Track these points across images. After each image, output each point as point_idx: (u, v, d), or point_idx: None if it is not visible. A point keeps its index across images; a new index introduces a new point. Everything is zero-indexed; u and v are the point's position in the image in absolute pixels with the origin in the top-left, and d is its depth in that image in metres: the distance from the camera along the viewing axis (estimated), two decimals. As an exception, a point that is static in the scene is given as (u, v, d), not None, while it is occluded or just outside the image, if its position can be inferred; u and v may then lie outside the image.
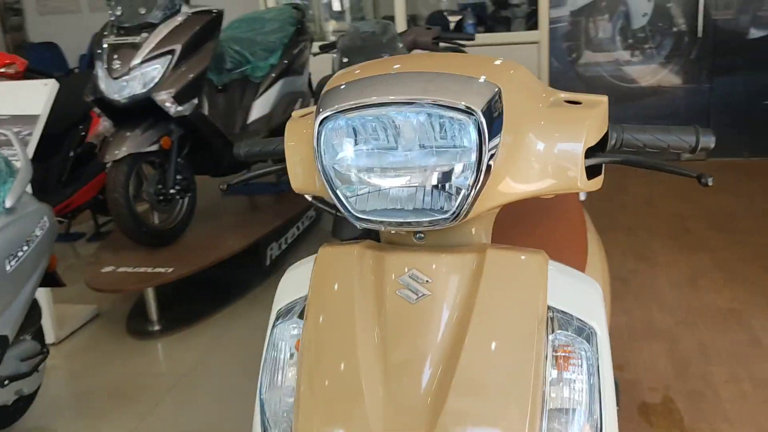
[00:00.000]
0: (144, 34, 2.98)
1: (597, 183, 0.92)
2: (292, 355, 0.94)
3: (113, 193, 2.93)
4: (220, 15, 3.31)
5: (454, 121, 0.83)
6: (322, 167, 0.89)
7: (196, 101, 3.12)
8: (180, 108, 3.03)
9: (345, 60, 2.86)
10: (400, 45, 2.90)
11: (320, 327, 0.91)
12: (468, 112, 0.82)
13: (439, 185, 0.85)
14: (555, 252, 1.29)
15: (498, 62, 0.91)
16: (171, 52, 3.01)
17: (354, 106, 0.86)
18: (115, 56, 2.96)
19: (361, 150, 0.88)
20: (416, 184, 0.85)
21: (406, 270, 0.90)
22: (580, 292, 0.91)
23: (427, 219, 0.86)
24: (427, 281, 0.88)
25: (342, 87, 0.90)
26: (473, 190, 0.84)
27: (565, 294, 0.89)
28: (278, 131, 3.82)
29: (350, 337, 0.88)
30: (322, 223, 4.26)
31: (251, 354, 2.76)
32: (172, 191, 3.14)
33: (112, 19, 3.06)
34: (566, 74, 5.21)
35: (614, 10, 4.99)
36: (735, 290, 3.05)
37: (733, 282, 3.12)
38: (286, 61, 3.78)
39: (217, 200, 3.94)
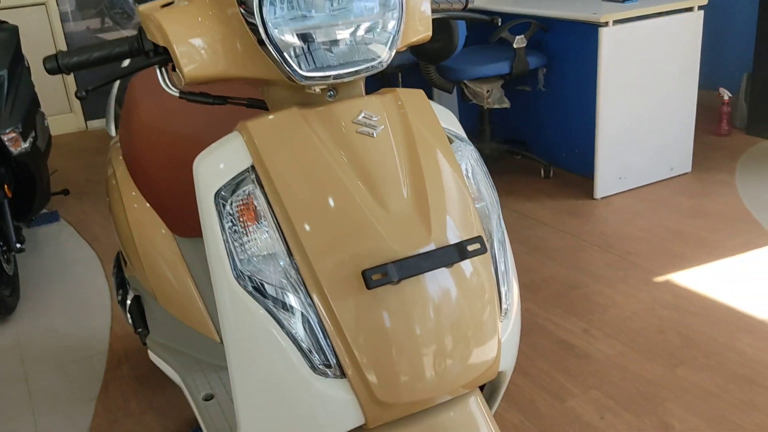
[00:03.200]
0: None
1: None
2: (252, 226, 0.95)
3: None
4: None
5: None
6: (268, 39, 0.92)
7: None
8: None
9: None
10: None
11: (293, 182, 0.95)
12: None
13: (374, 36, 0.98)
14: None
15: None
16: None
17: None
18: None
19: (286, 16, 0.94)
20: (359, 36, 0.97)
21: (358, 113, 1.01)
22: (444, 113, 1.15)
23: (366, 65, 0.99)
24: (375, 119, 1.01)
25: None
26: (397, 38, 1.00)
27: (441, 115, 1.13)
28: None
29: (335, 179, 0.95)
30: None
31: None
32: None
33: None
34: (81, 37, 5.01)
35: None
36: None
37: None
38: None
39: None
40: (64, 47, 4.95)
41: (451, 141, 1.11)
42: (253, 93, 1.08)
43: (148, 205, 1.66)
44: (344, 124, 1.00)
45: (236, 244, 0.96)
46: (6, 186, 2.55)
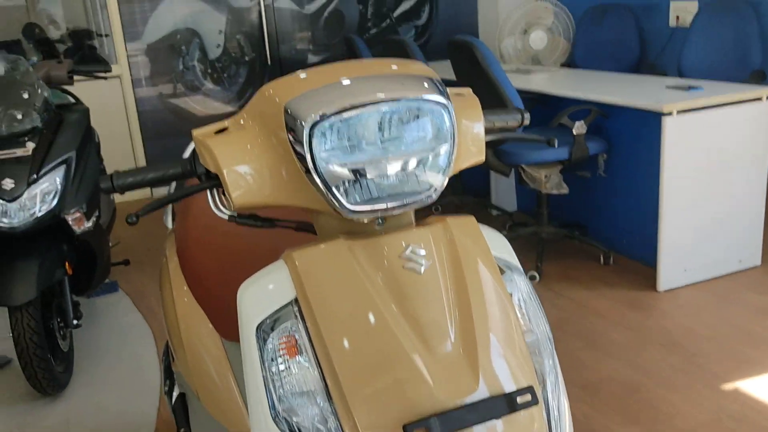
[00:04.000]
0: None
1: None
2: (286, 364, 0.93)
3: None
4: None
5: (430, 112, 0.96)
6: (315, 171, 0.92)
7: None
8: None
9: (-26, 101, 2.46)
10: (38, 80, 2.62)
11: (336, 319, 0.93)
12: (443, 104, 0.96)
13: (425, 167, 0.97)
14: None
15: (409, 61, 1.06)
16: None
17: (352, 105, 0.91)
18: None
19: (335, 149, 0.93)
20: (410, 169, 0.96)
21: (404, 246, 0.98)
22: (496, 240, 1.12)
23: (415, 199, 0.97)
24: (423, 253, 0.99)
25: (317, 92, 0.93)
26: (449, 168, 0.99)
27: (492, 243, 1.09)
28: None
29: (380, 318, 0.93)
30: None
31: None
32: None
33: None
34: (153, 105, 5.23)
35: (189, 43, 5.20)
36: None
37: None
38: None
39: None
40: (135, 115, 5.16)
41: (502, 271, 1.07)
42: (303, 215, 1.07)
43: (196, 303, 1.66)
44: (391, 260, 0.97)
45: (275, 379, 0.94)
46: (67, 263, 2.61)
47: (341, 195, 0.94)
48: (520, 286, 1.08)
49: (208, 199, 1.09)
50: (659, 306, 3.01)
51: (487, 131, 1.23)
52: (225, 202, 1.09)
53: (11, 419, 2.50)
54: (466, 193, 4.23)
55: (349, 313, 0.93)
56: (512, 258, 1.12)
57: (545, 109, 3.72)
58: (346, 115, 0.92)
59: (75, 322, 2.71)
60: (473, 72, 3.27)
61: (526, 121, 1.29)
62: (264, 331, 0.95)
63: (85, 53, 5.32)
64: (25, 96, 2.53)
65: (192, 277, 1.68)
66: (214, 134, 1.03)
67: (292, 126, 0.93)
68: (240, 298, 0.99)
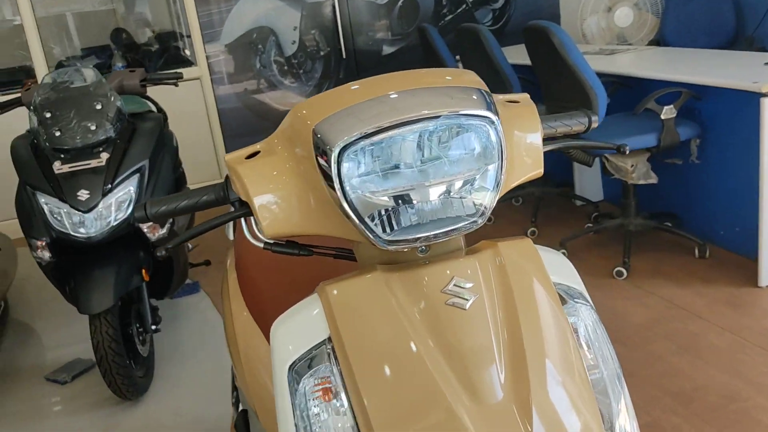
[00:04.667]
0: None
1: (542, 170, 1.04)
2: (325, 406, 0.86)
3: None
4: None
5: (472, 128, 0.86)
6: (345, 200, 0.84)
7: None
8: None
9: (48, 115, 2.53)
10: (110, 91, 2.66)
11: (371, 363, 0.85)
12: (487, 117, 0.86)
13: (471, 188, 0.87)
14: None
15: (459, 71, 0.96)
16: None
17: (386, 126, 0.82)
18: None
19: (369, 173, 0.85)
20: (455, 192, 0.86)
21: (448, 279, 0.89)
22: (557, 262, 1.01)
23: (456, 225, 0.87)
24: (468, 286, 0.89)
25: (345, 113, 0.85)
26: (498, 188, 0.88)
27: (553, 268, 0.98)
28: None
29: (418, 361, 0.84)
30: (12, 313, 3.65)
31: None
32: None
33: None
34: (233, 104, 5.30)
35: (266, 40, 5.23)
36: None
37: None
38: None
39: None
40: (215, 115, 5.24)
41: (564, 300, 0.96)
42: (344, 242, 1.00)
43: (254, 321, 1.62)
44: (432, 294, 0.88)
45: (306, 427, 0.87)
46: (144, 270, 2.65)
47: (376, 225, 0.86)
48: (585, 316, 0.96)
49: (243, 229, 1.03)
50: (761, 304, 2.77)
51: (549, 138, 1.12)
52: (260, 230, 1.03)
53: (97, 422, 2.57)
54: (547, 184, 4.05)
55: (385, 354, 0.85)
56: (576, 284, 1.00)
57: (631, 93, 3.49)
58: (377, 137, 0.83)
59: (154, 327, 2.76)
60: (550, 58, 3.09)
61: (595, 124, 1.16)
62: (297, 372, 0.89)
63: (170, 55, 5.45)
64: (98, 107, 2.57)
65: (249, 293, 1.64)
66: (245, 159, 0.96)
67: (322, 150, 0.85)
68: (273, 335, 0.93)
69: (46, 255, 2.54)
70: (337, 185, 0.84)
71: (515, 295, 0.90)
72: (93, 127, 2.52)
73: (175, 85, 3.05)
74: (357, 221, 0.85)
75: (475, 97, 0.87)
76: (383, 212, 0.86)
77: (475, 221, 0.89)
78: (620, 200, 3.40)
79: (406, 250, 0.91)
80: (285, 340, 0.91)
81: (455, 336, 0.86)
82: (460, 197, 0.88)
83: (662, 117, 2.97)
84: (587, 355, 0.94)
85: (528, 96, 1.06)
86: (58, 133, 2.50)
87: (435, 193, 0.86)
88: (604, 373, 0.93)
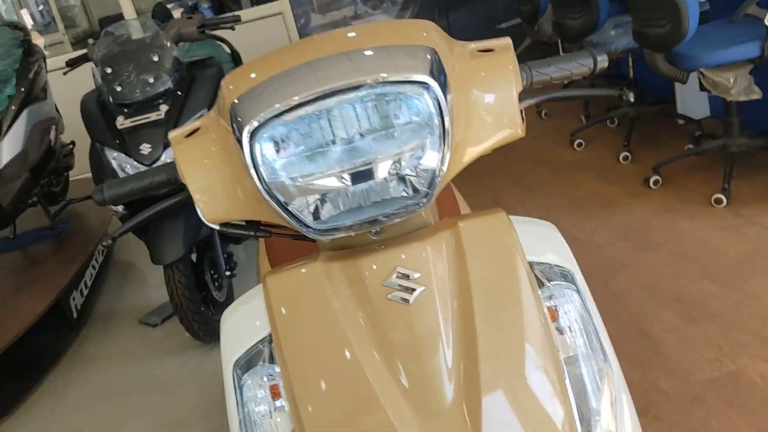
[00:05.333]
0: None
1: (524, 128, 0.90)
2: (272, 405, 0.81)
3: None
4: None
5: (404, 96, 0.74)
6: (264, 187, 0.75)
7: None
8: None
9: (108, 70, 2.55)
10: (167, 41, 2.65)
11: (305, 360, 0.78)
12: (420, 83, 0.73)
13: (405, 169, 0.76)
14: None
15: (409, 24, 0.83)
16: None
17: (298, 102, 0.72)
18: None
19: (293, 155, 0.75)
20: (384, 175, 0.76)
21: (390, 271, 0.80)
22: (546, 238, 0.88)
23: (397, 208, 0.77)
24: (415, 276, 0.80)
25: (264, 86, 0.75)
26: (445, 163, 0.76)
27: (533, 244, 0.86)
28: (39, 167, 3.35)
29: (352, 363, 0.77)
30: (116, 255, 3.87)
31: (94, 420, 2.44)
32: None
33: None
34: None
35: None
36: (536, 199, 3.31)
37: (531, 192, 3.39)
38: (24, 89, 3.30)
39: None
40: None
41: (542, 283, 0.83)
42: None
43: None
44: (373, 288, 0.79)
45: (250, 425, 0.81)
46: None
47: (306, 213, 0.77)
48: (572, 299, 0.84)
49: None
50: None
51: (541, 85, 0.96)
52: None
53: (186, 362, 2.69)
54: (643, 102, 3.71)
55: (321, 358, 0.78)
56: (565, 261, 0.87)
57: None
58: (292, 115, 0.73)
59: (228, 273, 2.82)
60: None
61: (603, 65, 0.99)
62: (240, 368, 0.83)
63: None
64: (155, 59, 2.57)
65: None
66: (185, 137, 0.89)
67: (238, 130, 0.76)
68: (222, 326, 0.87)
69: (120, 208, 2.62)
70: (251, 170, 0.75)
71: (472, 282, 0.79)
72: (151, 80, 2.53)
73: (232, 29, 3.00)
74: (279, 209, 0.76)
75: (413, 58, 0.74)
76: (312, 199, 0.76)
77: (418, 203, 0.78)
78: (721, 117, 3.06)
79: (353, 233, 0.82)
80: (231, 334, 0.86)
81: (397, 335, 0.77)
82: (404, 175, 0.76)
83: (766, 23, 2.59)
84: (568, 345, 0.82)
85: (508, 42, 0.91)
86: (119, 88, 2.53)
87: (369, 173, 0.75)
88: (583, 368, 0.81)
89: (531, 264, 0.84)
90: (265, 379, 0.81)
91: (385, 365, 0.77)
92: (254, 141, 0.74)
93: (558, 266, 0.86)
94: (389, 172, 0.75)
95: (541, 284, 0.83)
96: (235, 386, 0.83)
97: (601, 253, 2.71)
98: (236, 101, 0.76)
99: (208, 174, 0.84)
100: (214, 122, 0.87)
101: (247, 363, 0.83)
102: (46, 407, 2.60)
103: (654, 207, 2.99)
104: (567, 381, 0.78)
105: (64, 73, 3.02)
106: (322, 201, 0.76)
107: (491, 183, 3.62)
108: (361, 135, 0.75)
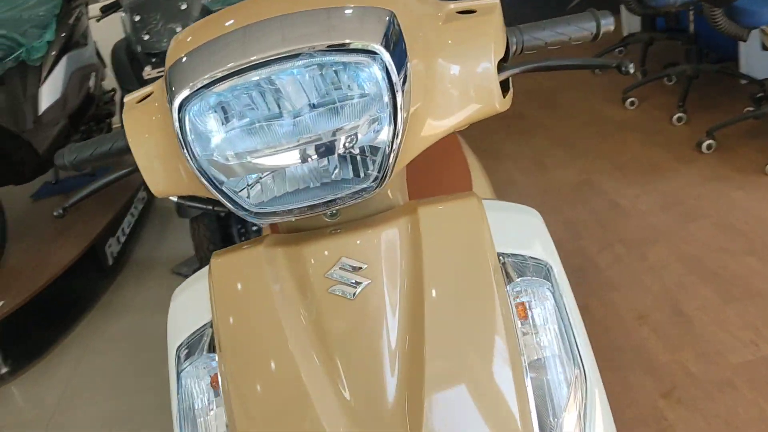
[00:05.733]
0: None
1: (509, 100, 0.80)
2: (212, 396, 0.76)
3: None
4: None
5: (351, 66, 0.66)
6: (195, 163, 0.69)
7: None
8: None
9: (137, 18, 2.51)
10: (197, -11, 2.58)
11: (241, 353, 0.73)
12: (367, 51, 0.65)
13: (352, 148, 0.68)
14: (439, 183, 1.16)
15: None
16: None
17: (227, 72, 0.65)
18: None
19: (234, 128, 0.68)
20: (323, 155, 0.68)
21: (333, 262, 0.73)
22: (523, 226, 0.79)
23: (345, 192, 0.70)
24: (361, 267, 0.73)
25: (197, 52, 0.68)
26: (396, 143, 0.68)
27: (509, 233, 0.77)
28: (78, 114, 3.37)
29: (288, 361, 0.71)
30: (157, 202, 3.90)
31: (119, 370, 2.49)
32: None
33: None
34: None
35: None
36: (578, 162, 3.16)
37: (574, 155, 3.24)
38: (64, 34, 3.30)
39: (23, 211, 3.46)
40: None
41: (511, 278, 0.75)
42: None
43: None
44: (315, 280, 0.72)
45: (189, 417, 0.77)
46: None
47: (242, 195, 0.70)
48: (545, 296, 0.75)
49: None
50: None
51: (533, 50, 0.85)
52: None
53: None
54: (703, 60, 3.47)
55: (258, 352, 0.72)
56: (545, 253, 0.78)
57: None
58: (225, 85, 0.66)
59: (255, 227, 2.80)
60: None
61: (609, 28, 0.87)
62: (181, 353, 0.78)
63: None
64: (183, 7, 2.52)
65: None
66: (136, 102, 0.83)
67: (169, 103, 0.69)
68: (171, 305, 0.82)
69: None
70: (182, 147, 0.68)
71: (425, 275, 0.71)
72: (178, 29, 2.48)
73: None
74: (210, 188, 0.70)
75: (361, 22, 0.66)
76: (252, 179, 0.69)
77: (367, 187, 0.70)
78: (786, 80, 2.83)
79: (281, 222, 0.74)
80: (177, 315, 0.81)
81: (338, 331, 0.70)
82: (354, 154, 0.69)
83: (841, -25, 2.36)
84: (536, 346, 0.73)
85: (494, 3, 0.80)
86: (147, 37, 2.49)
87: (311, 151, 0.68)
88: (551, 372, 0.73)
89: (502, 256, 0.75)
90: (205, 368, 0.77)
91: (322, 365, 0.71)
92: (183, 113, 0.67)
93: (534, 259, 0.77)
94: (337, 152, 0.68)
95: (510, 279, 0.75)
96: (177, 371, 0.79)
97: (642, 222, 2.57)
98: (172, 66, 0.70)
99: (157, 141, 0.78)
100: (163, 89, 0.80)
101: (189, 349, 0.78)
102: (75, 353, 2.66)
103: (703, 174, 2.81)
104: (528, 385, 0.71)
105: (98, 20, 3.00)
106: (261, 181, 0.70)
107: (533, 144, 3.48)
108: (313, 107, 0.68)
